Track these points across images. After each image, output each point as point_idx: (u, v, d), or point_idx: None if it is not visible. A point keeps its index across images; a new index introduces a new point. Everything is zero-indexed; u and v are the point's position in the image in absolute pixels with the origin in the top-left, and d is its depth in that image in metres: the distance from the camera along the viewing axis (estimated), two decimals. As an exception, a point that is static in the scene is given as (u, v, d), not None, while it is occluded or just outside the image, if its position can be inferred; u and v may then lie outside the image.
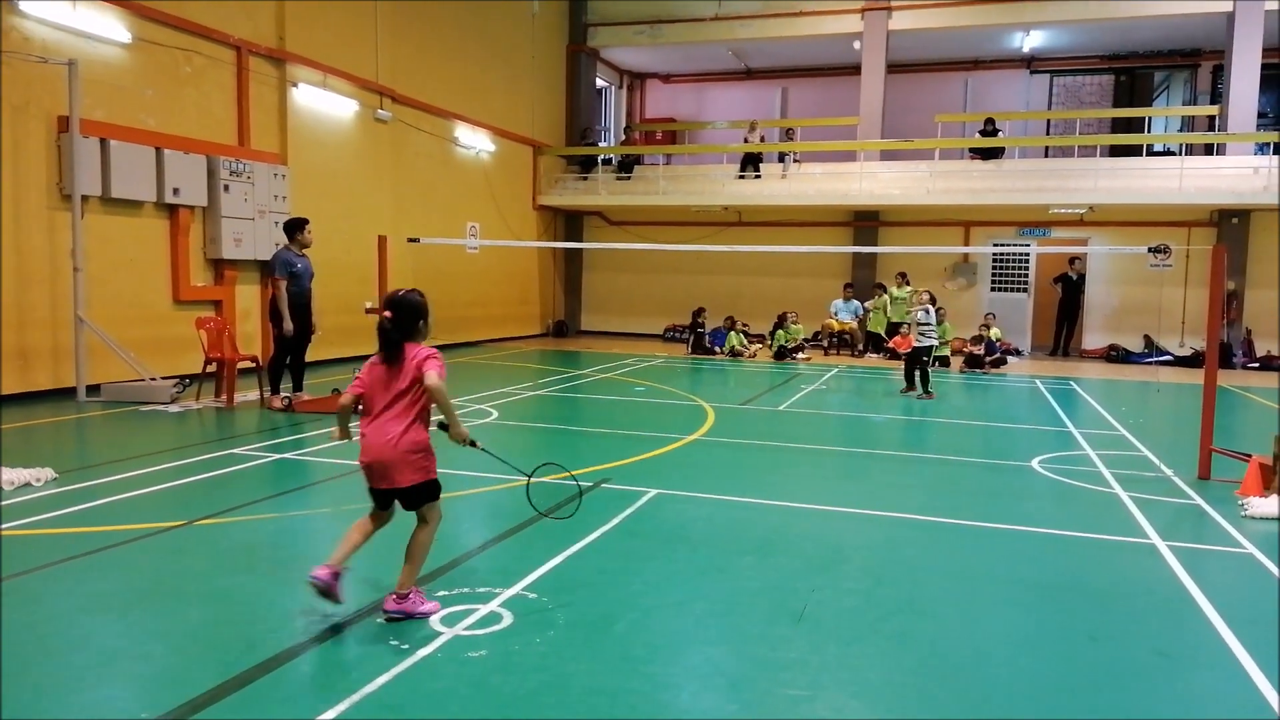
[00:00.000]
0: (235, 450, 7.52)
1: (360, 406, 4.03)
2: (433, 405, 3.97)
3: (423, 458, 3.95)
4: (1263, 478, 6.48)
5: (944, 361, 16.19)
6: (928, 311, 11.91)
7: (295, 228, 9.80)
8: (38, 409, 9.30)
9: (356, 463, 4.05)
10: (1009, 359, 16.69)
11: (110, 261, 10.64)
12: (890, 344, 17.73)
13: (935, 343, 12.24)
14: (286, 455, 7.47)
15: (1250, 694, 3.45)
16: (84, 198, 10.08)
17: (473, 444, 4.08)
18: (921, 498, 6.57)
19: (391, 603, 3.93)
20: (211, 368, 10.11)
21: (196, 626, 3.88)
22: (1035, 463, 7.74)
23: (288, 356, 9.82)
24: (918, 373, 11.93)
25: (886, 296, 18.12)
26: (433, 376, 3.86)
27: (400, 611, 3.91)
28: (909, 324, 12.26)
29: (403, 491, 3.96)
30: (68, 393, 10.02)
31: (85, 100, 10.05)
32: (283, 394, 9.72)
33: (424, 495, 4.00)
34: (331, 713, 3.11)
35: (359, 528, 4.05)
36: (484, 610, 4.06)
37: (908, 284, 17.38)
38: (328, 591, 3.85)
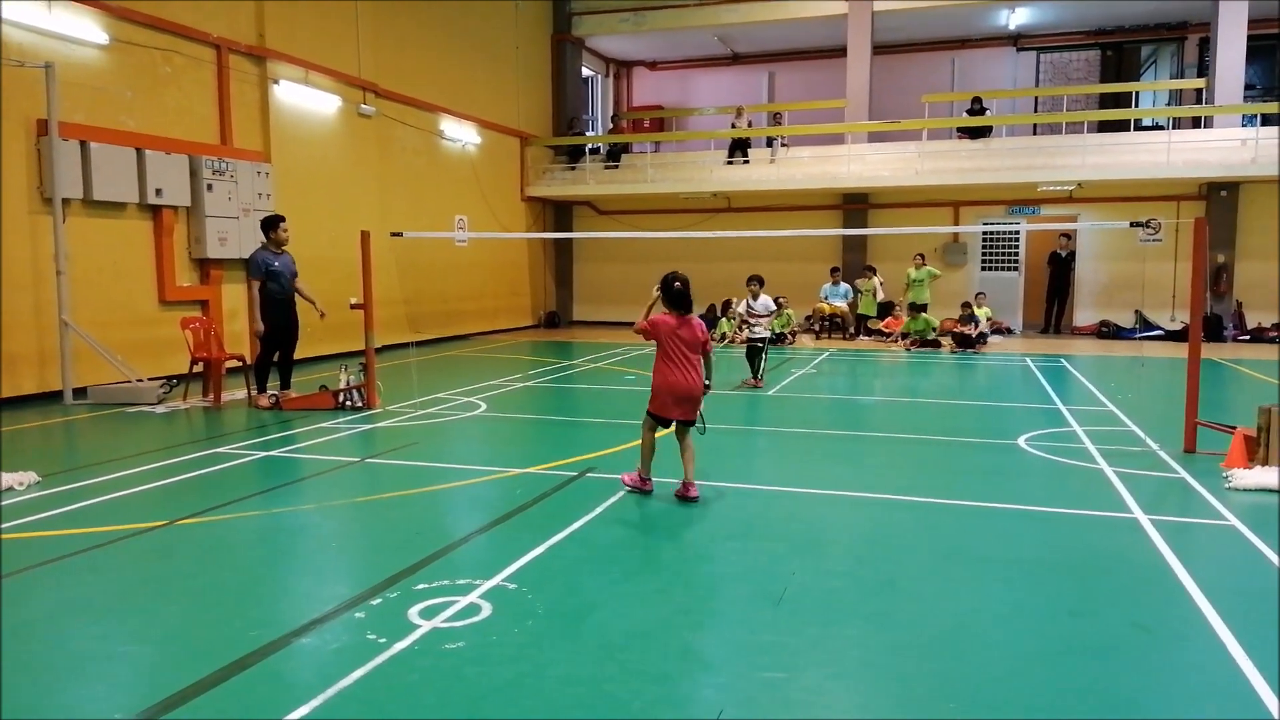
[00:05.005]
0: (221, 449, 7.51)
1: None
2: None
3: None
4: (1247, 450, 6.49)
5: (934, 344, 16.20)
6: (755, 300, 11.18)
7: (270, 226, 9.76)
8: (24, 413, 9.28)
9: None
10: (997, 337, 16.67)
11: (94, 264, 10.60)
12: (883, 325, 17.77)
13: (766, 335, 11.30)
14: (273, 453, 7.46)
15: (1227, 666, 3.45)
16: (65, 201, 10.03)
17: (707, 388, 6.01)
18: (907, 478, 6.57)
19: (689, 489, 5.85)
20: (198, 368, 10.10)
21: (175, 625, 3.88)
22: (1022, 440, 7.75)
23: (274, 354, 9.80)
24: (760, 362, 11.22)
25: (876, 280, 18.13)
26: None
27: (690, 497, 5.83)
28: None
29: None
30: (54, 396, 10.01)
31: (64, 103, 10.00)
32: (269, 392, 9.71)
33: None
34: (306, 708, 3.11)
35: (650, 441, 6.04)
36: (464, 602, 4.06)
37: (925, 264, 17.37)
38: (641, 489, 5.97)
